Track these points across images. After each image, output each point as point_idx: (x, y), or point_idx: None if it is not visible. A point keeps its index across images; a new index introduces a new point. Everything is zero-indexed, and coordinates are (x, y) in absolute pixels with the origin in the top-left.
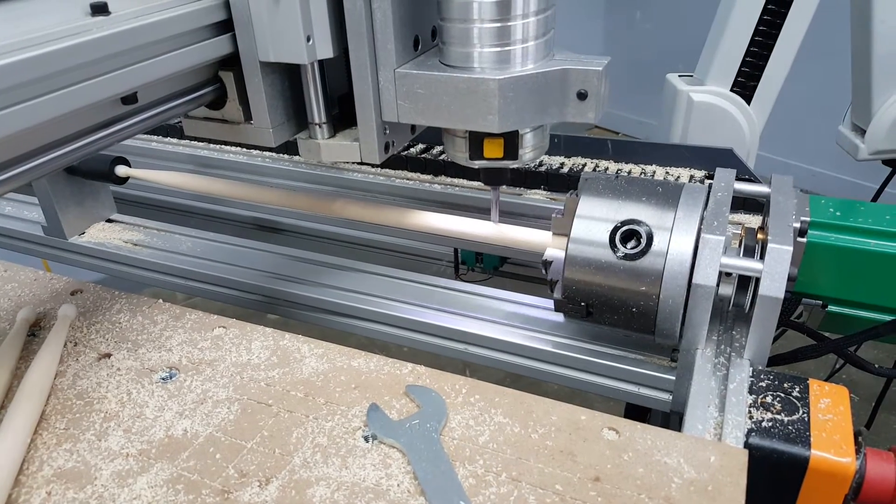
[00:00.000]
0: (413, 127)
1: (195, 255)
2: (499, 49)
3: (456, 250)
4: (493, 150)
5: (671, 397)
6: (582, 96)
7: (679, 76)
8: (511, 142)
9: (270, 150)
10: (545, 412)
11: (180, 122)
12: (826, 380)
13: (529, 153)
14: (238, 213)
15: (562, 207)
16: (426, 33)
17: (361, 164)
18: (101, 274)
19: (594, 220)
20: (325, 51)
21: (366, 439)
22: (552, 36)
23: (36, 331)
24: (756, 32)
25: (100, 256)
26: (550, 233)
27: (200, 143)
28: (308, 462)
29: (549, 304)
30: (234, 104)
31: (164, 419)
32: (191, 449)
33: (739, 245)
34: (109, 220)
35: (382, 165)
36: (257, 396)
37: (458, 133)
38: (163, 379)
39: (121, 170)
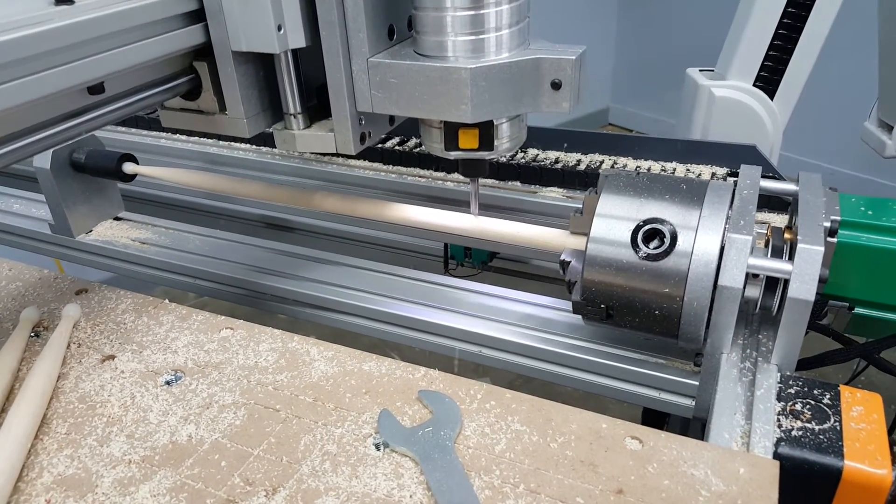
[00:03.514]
0: (392, 118)
1: (202, 254)
2: (472, 38)
3: (446, 245)
4: (468, 140)
5: (694, 403)
6: (556, 86)
7: (700, 71)
8: (486, 132)
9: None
10: (564, 420)
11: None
12: (846, 383)
13: (506, 143)
14: (247, 211)
15: (580, 206)
16: (402, 23)
17: (365, 158)
18: (109, 273)
19: (615, 219)
20: (297, 40)
21: (377, 447)
22: (526, 25)
23: (39, 331)
24: (780, 25)
25: (107, 255)
26: (564, 231)
27: (209, 140)
28: (317, 471)
29: (566, 304)
30: (209, 94)
31: (169, 424)
32: (195, 456)
33: (766, 245)
34: (117, 219)
35: (394, 163)
36: (265, 401)
37: (434, 124)
38: (167, 382)
39: (128, 167)
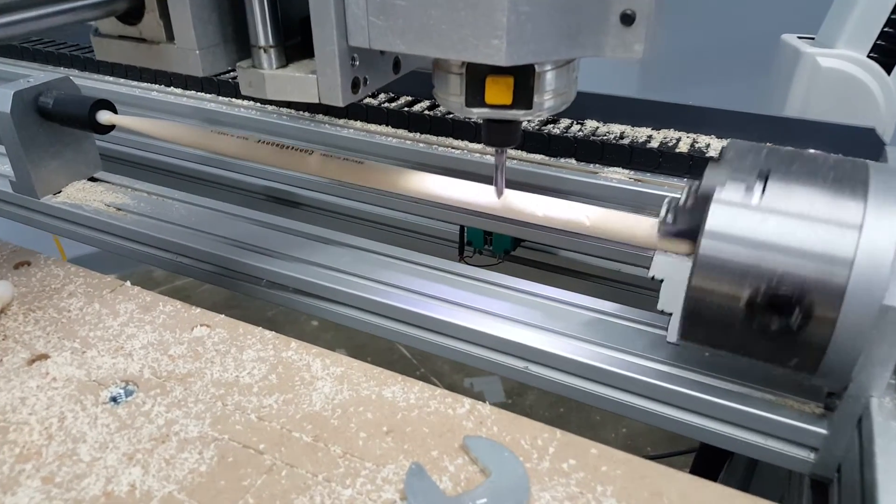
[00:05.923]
0: (397, 62)
1: (187, 226)
2: None
3: (462, 228)
4: (497, 92)
5: (814, 457)
6: (627, 19)
7: (798, 37)
8: (524, 82)
9: (287, 105)
10: (681, 496)
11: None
12: None
13: (549, 101)
14: (249, 182)
15: (649, 191)
16: None
17: (387, 123)
18: (94, 248)
19: (740, 207)
20: None
21: None
22: None
23: None
24: None
25: (74, 220)
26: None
27: (207, 95)
28: None
29: (637, 314)
30: (153, 17)
31: (105, 465)
32: None
33: None
34: (92, 179)
35: (423, 130)
36: (244, 437)
37: (452, 67)
38: (113, 399)
39: (103, 115)
